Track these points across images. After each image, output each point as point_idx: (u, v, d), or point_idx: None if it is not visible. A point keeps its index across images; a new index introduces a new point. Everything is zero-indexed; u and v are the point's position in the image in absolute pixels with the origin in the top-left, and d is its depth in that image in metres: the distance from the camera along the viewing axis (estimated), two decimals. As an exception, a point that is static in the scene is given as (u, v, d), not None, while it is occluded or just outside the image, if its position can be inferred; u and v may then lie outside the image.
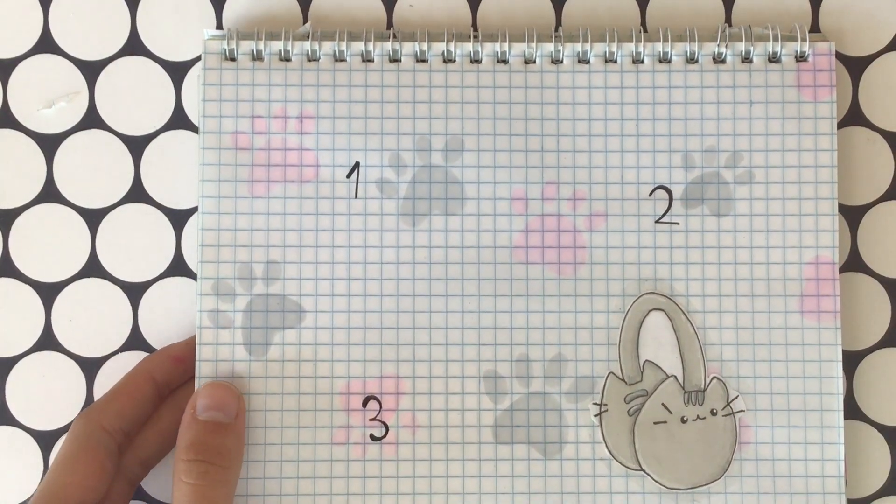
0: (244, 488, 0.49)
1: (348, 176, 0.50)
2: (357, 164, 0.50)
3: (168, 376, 0.50)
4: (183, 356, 0.51)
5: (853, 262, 0.52)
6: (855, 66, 0.52)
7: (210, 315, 0.50)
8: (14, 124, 0.53)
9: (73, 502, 0.46)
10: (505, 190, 0.50)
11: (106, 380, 0.51)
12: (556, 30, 0.52)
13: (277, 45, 0.50)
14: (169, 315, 0.53)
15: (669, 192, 0.50)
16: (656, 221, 0.50)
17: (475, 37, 0.50)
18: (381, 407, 0.50)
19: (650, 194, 0.50)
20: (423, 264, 0.50)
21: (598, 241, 0.50)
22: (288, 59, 0.50)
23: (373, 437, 0.50)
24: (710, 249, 0.50)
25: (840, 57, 0.52)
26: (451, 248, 0.50)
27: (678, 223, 0.50)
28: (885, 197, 0.52)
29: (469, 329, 0.50)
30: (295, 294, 0.50)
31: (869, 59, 0.52)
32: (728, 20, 0.52)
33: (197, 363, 0.49)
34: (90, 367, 0.53)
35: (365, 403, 0.50)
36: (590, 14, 0.52)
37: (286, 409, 0.50)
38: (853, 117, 0.52)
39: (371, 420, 0.50)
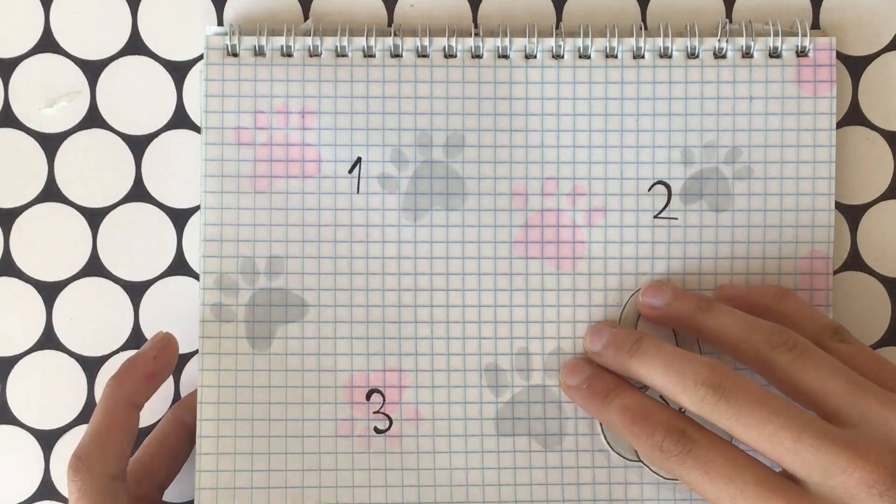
0: (249, 481, 0.49)
1: (350, 171, 0.50)
2: (359, 160, 0.50)
3: (146, 395, 0.49)
4: (157, 372, 0.49)
5: (853, 262, 0.52)
6: (855, 66, 0.52)
7: (213, 309, 0.50)
8: (15, 124, 0.53)
9: None
10: (505, 185, 0.50)
11: (107, 379, 0.51)
12: (557, 27, 0.52)
13: (279, 41, 0.50)
14: (170, 314, 0.53)
15: (668, 187, 0.50)
16: (655, 217, 0.50)
17: (476, 32, 0.50)
18: (384, 400, 0.50)
19: (649, 189, 0.50)
20: (424, 259, 0.50)
21: (597, 237, 0.50)
22: (289, 55, 0.50)
23: (377, 430, 0.50)
24: (708, 245, 0.50)
25: (840, 56, 0.52)
26: (451, 243, 0.50)
27: (676, 218, 0.50)
28: (885, 196, 0.52)
29: (470, 323, 0.50)
30: (298, 288, 0.50)
31: (869, 59, 0.52)
32: (728, 19, 0.52)
33: (200, 356, 0.49)
34: (91, 366, 0.53)
35: (368, 396, 0.50)
36: (590, 13, 0.52)
37: (290, 402, 0.50)
38: (853, 117, 0.52)
39: (374, 413, 0.50)
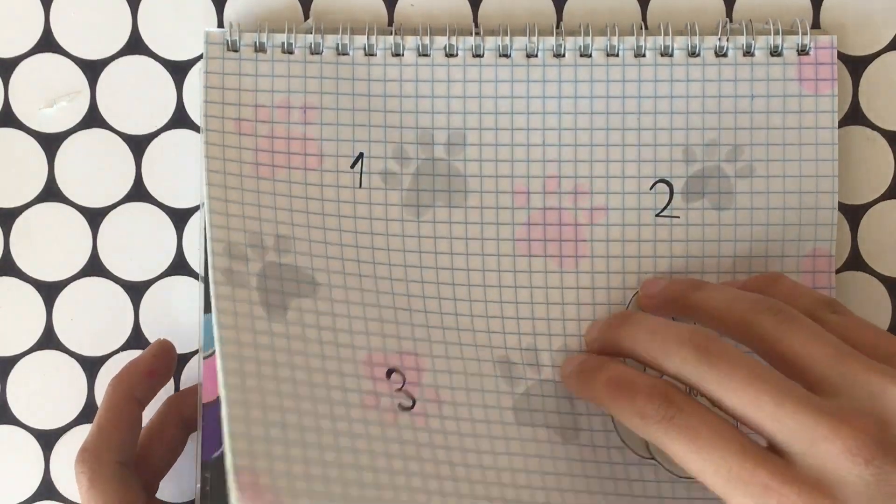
0: (283, 435, 0.44)
1: (352, 166, 0.50)
2: (361, 155, 0.50)
3: (147, 393, 0.50)
4: (156, 370, 0.50)
5: (854, 261, 0.52)
6: (855, 66, 0.52)
7: (224, 273, 0.46)
8: (15, 123, 0.53)
9: None
10: (507, 184, 0.50)
11: (107, 380, 0.50)
12: (558, 26, 0.52)
13: (280, 38, 0.50)
14: (170, 314, 0.53)
15: (670, 185, 0.50)
16: (657, 215, 0.50)
17: (477, 32, 0.50)
18: (404, 380, 0.49)
19: (651, 188, 0.50)
20: (429, 254, 0.50)
21: (599, 235, 0.50)
22: (290, 52, 0.50)
23: (401, 407, 0.48)
24: (710, 243, 0.50)
25: (840, 56, 0.52)
26: (455, 239, 0.50)
27: (678, 217, 0.50)
28: (885, 196, 0.52)
29: (478, 317, 0.49)
30: (307, 266, 0.48)
31: (869, 59, 0.52)
32: (728, 18, 0.52)
33: (215, 315, 0.45)
34: (91, 366, 0.53)
35: (388, 375, 0.48)
36: (591, 12, 0.52)
37: (313, 369, 0.46)
38: (853, 116, 0.52)
39: (398, 390, 0.48)
